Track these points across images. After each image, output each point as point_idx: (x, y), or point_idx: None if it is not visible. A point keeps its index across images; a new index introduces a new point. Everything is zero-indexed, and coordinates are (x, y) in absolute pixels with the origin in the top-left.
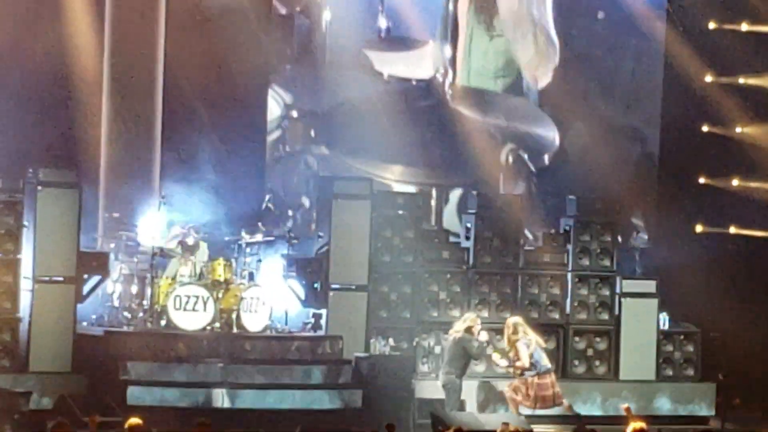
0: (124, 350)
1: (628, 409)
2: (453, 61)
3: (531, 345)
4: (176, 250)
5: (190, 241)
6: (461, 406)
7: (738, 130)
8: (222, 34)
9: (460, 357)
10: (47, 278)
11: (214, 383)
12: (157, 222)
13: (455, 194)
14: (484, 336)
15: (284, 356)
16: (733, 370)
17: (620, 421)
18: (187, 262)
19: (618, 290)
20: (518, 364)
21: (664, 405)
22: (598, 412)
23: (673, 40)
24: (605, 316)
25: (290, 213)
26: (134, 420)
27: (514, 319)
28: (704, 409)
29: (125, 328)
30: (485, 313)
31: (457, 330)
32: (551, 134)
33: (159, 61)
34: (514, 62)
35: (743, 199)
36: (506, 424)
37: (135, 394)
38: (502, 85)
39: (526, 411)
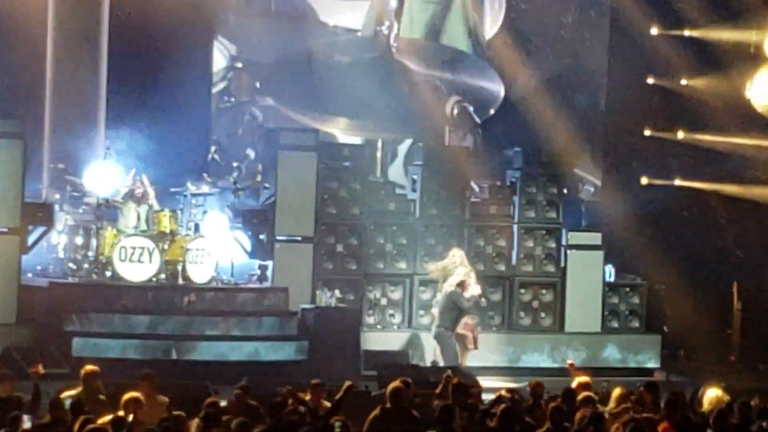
0: (69, 301)
1: (572, 365)
2: (399, 13)
3: None
4: (123, 201)
5: (139, 191)
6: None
7: (683, 82)
8: None
9: (450, 310)
10: None
11: (159, 335)
12: (102, 173)
13: (403, 147)
14: (476, 290)
15: (230, 308)
16: (677, 322)
17: (567, 373)
18: (134, 212)
19: (564, 242)
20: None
21: (611, 356)
22: (545, 364)
23: None
24: (551, 268)
25: (235, 164)
26: (90, 367)
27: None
28: (650, 361)
29: (70, 280)
30: (431, 265)
31: (450, 284)
32: (496, 87)
33: (104, 12)
34: (460, 15)
35: (688, 150)
36: (449, 376)
37: (80, 346)
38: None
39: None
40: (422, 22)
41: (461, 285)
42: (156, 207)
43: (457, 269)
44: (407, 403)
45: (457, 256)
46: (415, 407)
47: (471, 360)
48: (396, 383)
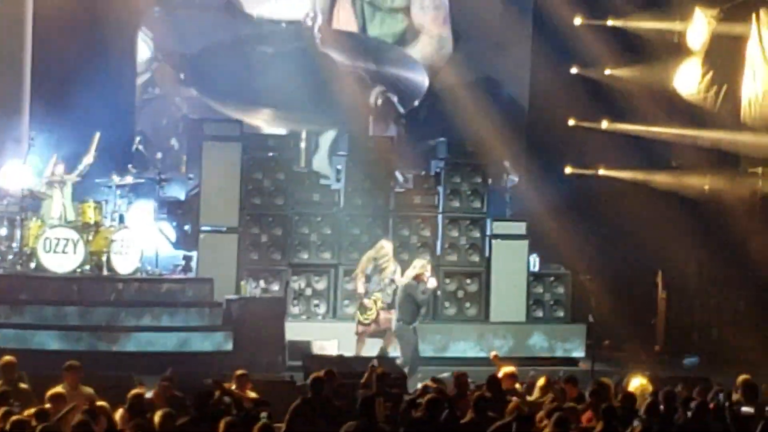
0: None
1: (495, 357)
2: (326, 5)
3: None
4: (47, 192)
5: (57, 177)
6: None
7: (607, 72)
8: None
9: (408, 303)
10: None
11: (85, 326)
12: (26, 164)
13: (327, 137)
14: (432, 283)
15: (155, 298)
16: (602, 312)
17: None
18: (58, 202)
19: (488, 232)
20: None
21: (536, 345)
22: (472, 354)
23: None
24: (476, 258)
25: (160, 155)
26: (7, 357)
27: None
28: (575, 351)
29: None
30: (356, 255)
31: (407, 276)
32: (420, 77)
33: (28, 4)
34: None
35: (612, 140)
36: (374, 366)
37: (5, 337)
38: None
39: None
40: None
41: (417, 278)
42: (68, 190)
43: (414, 262)
44: (330, 392)
45: (387, 247)
46: (339, 397)
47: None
48: (316, 373)
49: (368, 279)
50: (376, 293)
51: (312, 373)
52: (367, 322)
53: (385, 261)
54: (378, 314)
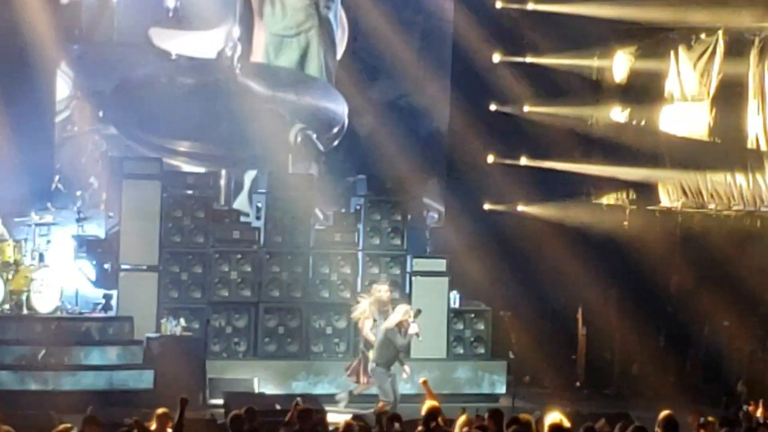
0: None
1: (425, 382)
2: (245, 38)
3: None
4: None
5: None
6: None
7: (526, 109)
8: (7, 13)
9: (386, 348)
10: None
11: (5, 365)
12: None
13: (248, 175)
14: (414, 329)
15: (76, 337)
16: (523, 348)
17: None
18: None
19: (409, 269)
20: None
21: (458, 382)
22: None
23: (461, 18)
24: (396, 295)
25: (79, 193)
26: None
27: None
28: (496, 387)
29: None
30: (276, 293)
31: (391, 321)
32: (340, 108)
33: None
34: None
35: (531, 177)
36: (297, 403)
37: None
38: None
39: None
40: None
41: (399, 324)
42: (5, 236)
43: (397, 307)
44: (250, 430)
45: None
46: None
47: (316, 388)
48: (235, 411)
49: (376, 324)
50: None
51: (232, 411)
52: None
53: (387, 305)
54: None
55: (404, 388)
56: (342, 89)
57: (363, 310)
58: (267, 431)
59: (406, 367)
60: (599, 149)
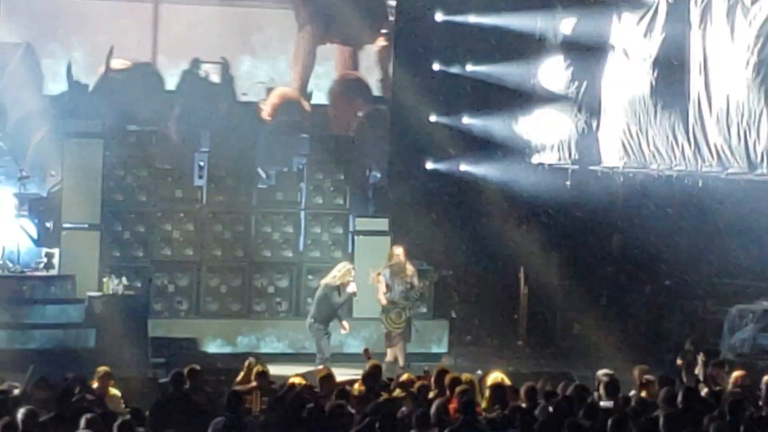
0: None
1: (366, 351)
2: None
3: None
4: None
5: None
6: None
7: (468, 68)
8: None
9: (324, 305)
10: None
11: None
12: None
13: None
14: (352, 288)
15: (17, 295)
16: (465, 308)
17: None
18: None
19: (351, 228)
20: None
21: None
22: (337, 351)
23: None
24: (338, 254)
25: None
26: None
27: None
28: (438, 346)
29: None
30: (219, 252)
31: (330, 278)
32: None
33: None
34: None
35: (473, 137)
36: (251, 363)
37: None
38: None
39: None
40: None
41: (341, 282)
42: None
43: (338, 265)
44: (193, 389)
45: (397, 252)
46: (205, 393)
47: (259, 347)
48: (177, 369)
49: (390, 288)
50: (401, 300)
51: (173, 370)
52: (399, 330)
53: (399, 266)
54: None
55: (350, 347)
56: None
57: (376, 273)
58: (210, 389)
59: (345, 323)
60: (541, 108)
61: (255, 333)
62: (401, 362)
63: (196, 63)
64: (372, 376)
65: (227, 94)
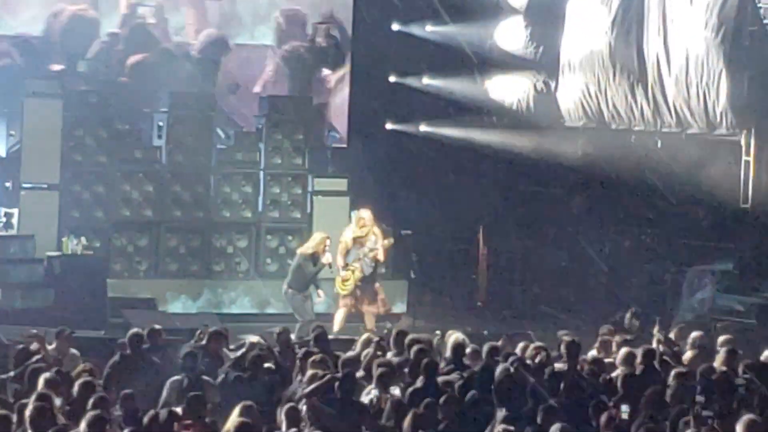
0: None
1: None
2: None
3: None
4: None
5: None
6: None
7: (428, 28)
8: None
9: (298, 273)
10: None
11: None
12: None
13: None
14: (327, 258)
15: None
16: (425, 268)
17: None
18: None
19: (310, 188)
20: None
21: None
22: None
23: None
24: (297, 215)
25: None
26: None
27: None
28: (396, 307)
29: None
30: (178, 212)
31: (306, 247)
32: None
33: None
34: None
35: (433, 96)
36: (206, 325)
37: None
38: None
39: None
40: None
41: (315, 252)
42: None
43: (314, 234)
44: (150, 348)
45: (365, 217)
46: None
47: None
48: (134, 330)
49: (348, 251)
50: (354, 263)
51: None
52: (345, 292)
53: (366, 232)
54: (356, 285)
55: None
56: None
57: (340, 244)
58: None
59: (320, 292)
60: (499, 69)
61: (214, 293)
62: (368, 324)
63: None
64: (323, 338)
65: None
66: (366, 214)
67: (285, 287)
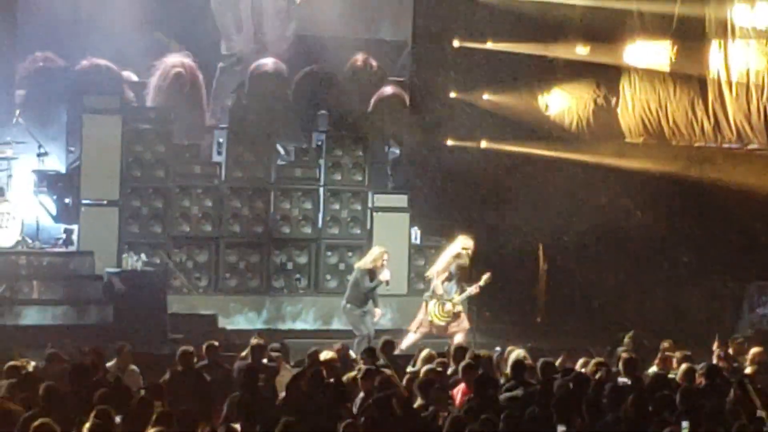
0: None
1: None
2: None
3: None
4: None
5: None
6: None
7: (489, 45)
8: None
9: (355, 288)
10: None
11: None
12: None
13: None
14: (386, 275)
15: (37, 272)
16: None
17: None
18: None
19: (370, 204)
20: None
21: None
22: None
23: None
24: (357, 231)
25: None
26: None
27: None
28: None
29: None
30: (237, 228)
31: (365, 262)
32: None
33: None
34: None
35: (492, 113)
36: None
37: None
38: None
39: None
40: None
41: (374, 267)
42: None
43: (372, 249)
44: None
45: (469, 246)
46: (222, 369)
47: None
48: (183, 347)
49: (451, 277)
50: (456, 296)
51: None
52: (440, 323)
53: (464, 261)
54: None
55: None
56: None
57: (444, 262)
58: (227, 366)
59: (377, 311)
60: (560, 86)
61: (275, 309)
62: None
63: None
64: (372, 353)
65: None
66: (470, 243)
67: (343, 302)
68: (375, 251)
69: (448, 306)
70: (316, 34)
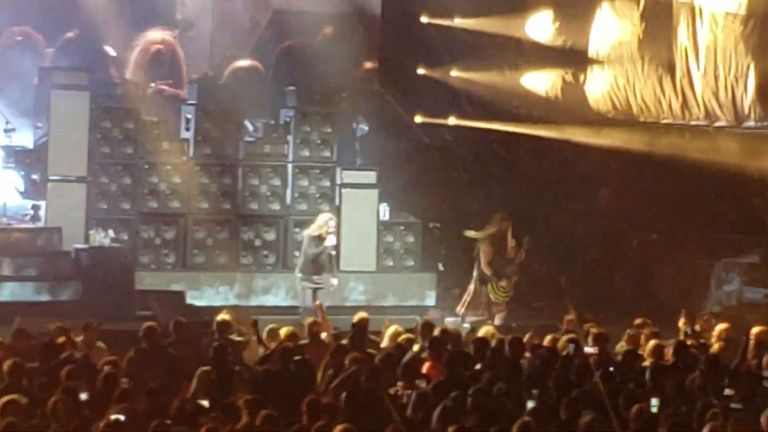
0: None
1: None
2: None
3: None
4: None
5: None
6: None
7: (457, 21)
8: None
9: (303, 255)
10: None
11: None
12: None
13: None
14: (330, 241)
15: (3, 248)
16: (453, 261)
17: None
18: None
19: (338, 181)
20: None
21: (386, 295)
22: (329, 302)
23: None
24: (326, 207)
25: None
26: None
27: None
28: (425, 300)
29: None
30: (205, 204)
31: (312, 229)
32: None
33: None
34: None
35: (462, 90)
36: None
37: None
38: None
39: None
40: None
41: (319, 235)
42: None
43: (318, 216)
44: (177, 341)
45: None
46: (191, 346)
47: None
48: (146, 324)
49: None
50: (509, 269)
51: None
52: (500, 300)
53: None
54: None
55: (332, 301)
56: None
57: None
58: (195, 342)
59: (333, 280)
60: (529, 60)
61: (243, 285)
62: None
63: None
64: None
65: None
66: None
67: (297, 272)
68: (321, 218)
69: (503, 282)
70: (291, 9)
